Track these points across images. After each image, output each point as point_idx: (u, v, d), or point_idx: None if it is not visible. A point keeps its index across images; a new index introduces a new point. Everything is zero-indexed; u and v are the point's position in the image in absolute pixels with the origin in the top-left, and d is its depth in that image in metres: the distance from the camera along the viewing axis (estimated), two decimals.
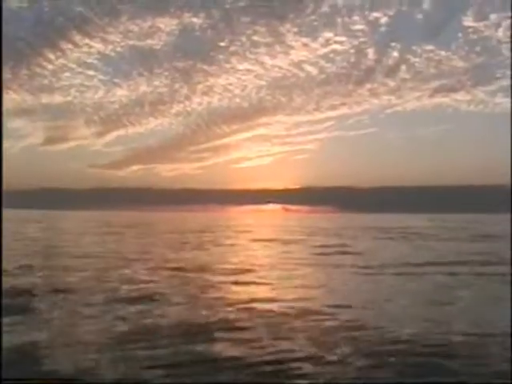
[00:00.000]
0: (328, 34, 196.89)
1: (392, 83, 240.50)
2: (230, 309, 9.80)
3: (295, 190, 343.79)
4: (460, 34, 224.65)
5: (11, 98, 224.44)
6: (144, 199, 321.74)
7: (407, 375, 6.07)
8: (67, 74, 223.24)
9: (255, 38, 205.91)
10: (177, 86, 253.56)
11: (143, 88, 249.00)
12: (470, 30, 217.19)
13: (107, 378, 5.53)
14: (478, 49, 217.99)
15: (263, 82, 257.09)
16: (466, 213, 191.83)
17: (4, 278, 12.79)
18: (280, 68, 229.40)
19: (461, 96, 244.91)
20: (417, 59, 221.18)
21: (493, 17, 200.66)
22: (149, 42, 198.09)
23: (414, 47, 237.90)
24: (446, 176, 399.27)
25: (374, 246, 27.69)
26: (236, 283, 13.27)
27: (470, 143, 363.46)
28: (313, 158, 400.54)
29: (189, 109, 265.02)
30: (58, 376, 5.78)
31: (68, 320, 8.85)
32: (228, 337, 7.73)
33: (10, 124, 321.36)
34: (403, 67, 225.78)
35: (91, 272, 14.89)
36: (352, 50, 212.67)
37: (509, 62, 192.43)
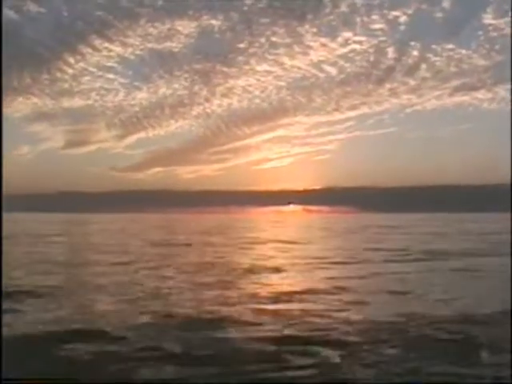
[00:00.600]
0: (347, 34, 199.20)
1: (412, 82, 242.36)
2: None
3: (316, 190, 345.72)
4: (480, 32, 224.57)
5: (32, 102, 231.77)
6: (165, 201, 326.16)
7: None
8: (87, 77, 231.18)
9: (274, 38, 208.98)
10: (196, 88, 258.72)
11: (163, 90, 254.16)
12: (490, 27, 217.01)
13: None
14: (498, 47, 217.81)
15: (283, 83, 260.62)
16: (485, 212, 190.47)
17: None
18: (299, 68, 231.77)
19: (481, 94, 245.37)
20: (437, 58, 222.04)
21: None
22: (168, 44, 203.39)
23: (433, 46, 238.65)
24: (466, 175, 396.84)
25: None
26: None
27: (491, 142, 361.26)
28: (333, 159, 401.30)
29: (209, 111, 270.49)
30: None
31: None
32: None
33: (31, 128, 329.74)
34: (423, 66, 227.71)
35: None
36: (371, 50, 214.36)
37: None
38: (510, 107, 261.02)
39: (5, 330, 7.58)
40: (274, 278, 13.77)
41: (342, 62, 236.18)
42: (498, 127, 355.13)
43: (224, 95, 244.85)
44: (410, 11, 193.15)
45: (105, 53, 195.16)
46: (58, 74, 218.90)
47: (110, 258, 18.92)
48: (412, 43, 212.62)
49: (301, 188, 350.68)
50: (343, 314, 8.90)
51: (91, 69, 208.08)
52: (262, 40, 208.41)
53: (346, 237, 37.81)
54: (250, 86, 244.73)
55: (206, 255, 20.53)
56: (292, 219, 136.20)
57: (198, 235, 39.53)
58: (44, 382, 5.56)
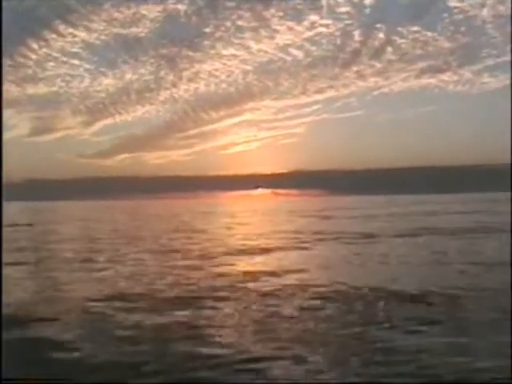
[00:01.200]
0: (313, 17, 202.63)
1: (378, 65, 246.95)
2: None
3: (284, 174, 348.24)
4: (445, 15, 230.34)
5: None
6: (133, 188, 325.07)
7: None
8: (52, 63, 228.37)
9: (240, 22, 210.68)
10: (162, 73, 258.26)
11: (129, 76, 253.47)
12: (456, 10, 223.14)
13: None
14: (463, 29, 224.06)
15: (249, 67, 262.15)
16: (452, 193, 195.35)
17: None
18: (266, 52, 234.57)
19: (447, 77, 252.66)
20: (403, 40, 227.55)
21: None
22: (133, 29, 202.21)
23: (399, 28, 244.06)
24: (433, 157, 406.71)
25: None
26: None
27: (457, 124, 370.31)
28: (301, 142, 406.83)
29: (175, 96, 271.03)
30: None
31: None
32: None
33: None
34: (389, 49, 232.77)
35: None
36: (337, 33, 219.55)
37: (494, 41, 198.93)
38: (474, 90, 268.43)
39: None
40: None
41: (308, 46, 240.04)
42: (463, 109, 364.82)
43: (190, 80, 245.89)
44: None
45: (69, 38, 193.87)
46: (22, 60, 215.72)
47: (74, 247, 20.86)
48: (378, 26, 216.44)
49: (269, 172, 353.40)
50: None
51: (55, 54, 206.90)
52: (228, 24, 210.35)
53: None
54: (216, 70, 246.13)
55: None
56: (259, 203, 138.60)
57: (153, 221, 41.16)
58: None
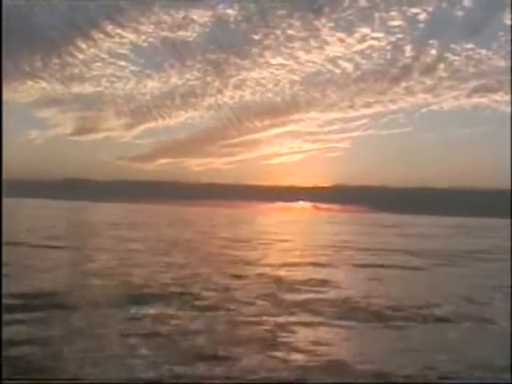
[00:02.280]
0: (365, 30, 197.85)
1: (429, 81, 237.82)
2: None
3: (326, 188, 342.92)
4: (501, 33, 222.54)
5: (41, 87, 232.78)
6: (172, 193, 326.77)
7: None
8: (98, 63, 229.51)
9: (290, 31, 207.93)
10: (209, 79, 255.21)
11: (174, 80, 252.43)
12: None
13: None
14: None
15: (297, 78, 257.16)
16: (495, 217, 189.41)
17: None
18: (314, 63, 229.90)
19: (500, 96, 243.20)
20: (456, 57, 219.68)
21: None
22: (181, 33, 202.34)
23: (452, 45, 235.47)
24: (480, 179, 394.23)
25: None
26: None
27: (507, 146, 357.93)
28: (345, 156, 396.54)
29: (220, 102, 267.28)
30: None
31: None
32: None
33: (40, 114, 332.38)
34: (441, 65, 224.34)
35: None
36: (389, 47, 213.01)
37: None
38: None
39: None
40: None
41: (358, 59, 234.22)
42: None
43: (236, 87, 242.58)
44: (429, 9, 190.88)
45: (117, 39, 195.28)
46: (69, 59, 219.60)
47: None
48: (430, 41, 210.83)
49: (311, 185, 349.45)
50: None
51: (102, 55, 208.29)
52: (278, 32, 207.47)
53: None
54: (263, 78, 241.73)
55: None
56: (301, 216, 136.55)
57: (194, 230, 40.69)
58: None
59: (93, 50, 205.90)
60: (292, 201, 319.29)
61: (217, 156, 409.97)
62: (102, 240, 25.94)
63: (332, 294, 13.49)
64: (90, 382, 5.78)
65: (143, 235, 30.86)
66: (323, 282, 15.47)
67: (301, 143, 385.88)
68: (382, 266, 20.36)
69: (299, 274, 16.34)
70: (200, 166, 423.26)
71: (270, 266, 17.95)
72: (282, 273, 16.13)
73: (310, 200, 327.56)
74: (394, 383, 6.92)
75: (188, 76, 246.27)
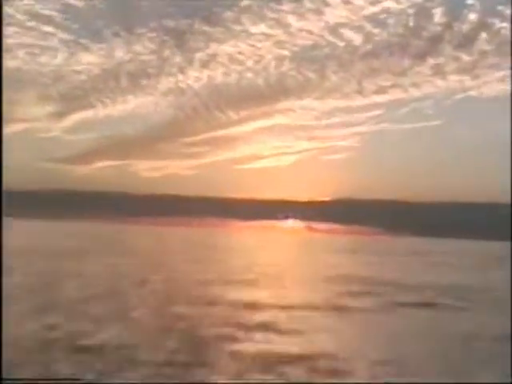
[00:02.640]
0: None
1: (466, 58, 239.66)
2: None
3: (326, 203, 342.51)
4: None
5: None
6: (116, 207, 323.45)
7: None
8: (14, 28, 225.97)
9: None
10: (167, 53, 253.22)
11: (120, 54, 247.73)
12: None
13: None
14: None
15: (286, 52, 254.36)
16: None
17: None
18: (310, 33, 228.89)
19: None
20: (503, 25, 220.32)
21: None
22: None
23: (499, 7, 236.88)
24: None
25: None
26: None
27: None
28: (351, 160, 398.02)
29: (182, 86, 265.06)
30: None
31: None
32: None
33: None
34: (483, 35, 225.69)
35: None
36: (411, 10, 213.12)
37: None
38: None
39: None
40: None
41: (369, 27, 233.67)
42: None
43: (204, 65, 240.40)
44: None
45: None
46: None
47: None
48: (469, 2, 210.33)
49: (304, 198, 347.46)
50: None
51: (19, 16, 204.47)
52: None
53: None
54: (240, 53, 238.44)
55: None
56: (290, 239, 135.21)
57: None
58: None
59: (7, 9, 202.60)
60: (279, 219, 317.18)
61: (176, 158, 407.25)
62: None
63: None
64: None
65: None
66: None
67: (291, 141, 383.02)
68: None
69: None
70: (153, 171, 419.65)
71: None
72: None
73: (303, 218, 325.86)
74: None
75: (138, 48, 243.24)
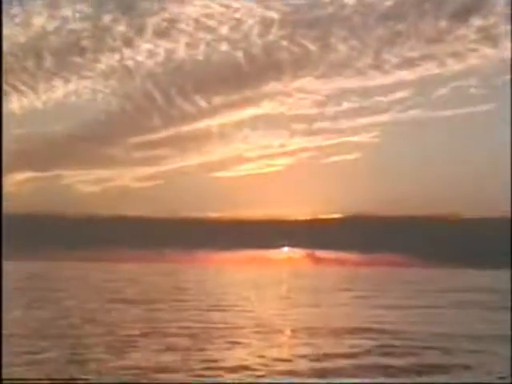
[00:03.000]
0: None
1: None
2: None
3: (334, 221, 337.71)
4: None
5: None
6: (38, 233, 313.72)
7: None
8: None
9: None
10: (108, 17, 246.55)
11: (40, 20, 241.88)
12: None
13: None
14: None
15: (273, 14, 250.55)
16: None
17: None
18: None
19: None
20: None
21: None
22: None
23: None
24: None
25: None
26: None
27: None
28: (367, 162, 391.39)
29: (129, 63, 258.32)
30: None
31: None
32: None
33: None
34: None
35: None
36: None
37: None
38: None
39: None
40: None
41: None
42: None
43: (160, 34, 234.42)
44: None
45: None
46: None
47: None
48: None
49: (305, 216, 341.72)
50: None
51: None
52: None
53: None
54: (208, 16, 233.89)
55: None
56: (286, 278, 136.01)
57: None
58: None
59: None
60: (269, 247, 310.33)
61: (125, 165, 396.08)
62: None
63: None
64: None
65: None
66: None
67: (285, 138, 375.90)
68: None
69: None
70: (93, 185, 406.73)
71: None
72: None
73: (303, 244, 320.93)
74: None
75: (66, 13, 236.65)
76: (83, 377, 12.92)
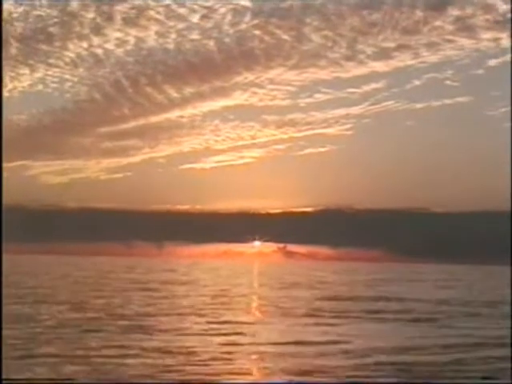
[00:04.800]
0: None
1: (503, 6, 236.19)
2: None
3: (307, 214, 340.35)
4: None
5: None
6: (11, 224, 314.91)
7: None
8: None
9: None
10: (76, 4, 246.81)
11: (6, 6, 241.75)
12: None
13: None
14: None
15: (246, 2, 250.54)
16: None
17: None
18: None
19: None
20: None
21: None
22: None
23: None
24: None
25: None
26: None
27: None
28: (341, 154, 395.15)
29: (97, 51, 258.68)
30: None
31: None
32: None
33: None
34: None
35: None
36: None
37: None
38: None
39: None
40: None
41: None
42: None
43: (131, 21, 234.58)
44: None
45: None
46: None
47: None
48: None
49: (278, 209, 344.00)
50: None
51: None
52: None
53: None
54: (180, 4, 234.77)
55: None
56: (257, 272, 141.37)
57: None
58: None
59: None
60: (241, 240, 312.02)
61: (92, 156, 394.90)
62: None
63: None
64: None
65: None
66: None
67: (257, 129, 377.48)
68: None
69: None
70: (59, 176, 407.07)
71: None
72: None
73: (276, 238, 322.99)
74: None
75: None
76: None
